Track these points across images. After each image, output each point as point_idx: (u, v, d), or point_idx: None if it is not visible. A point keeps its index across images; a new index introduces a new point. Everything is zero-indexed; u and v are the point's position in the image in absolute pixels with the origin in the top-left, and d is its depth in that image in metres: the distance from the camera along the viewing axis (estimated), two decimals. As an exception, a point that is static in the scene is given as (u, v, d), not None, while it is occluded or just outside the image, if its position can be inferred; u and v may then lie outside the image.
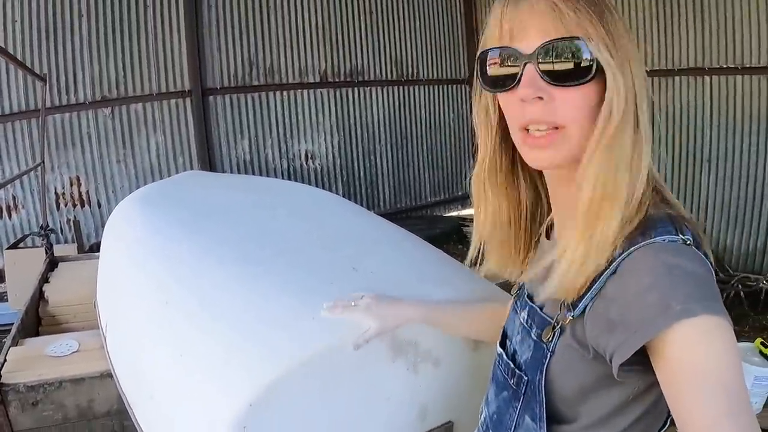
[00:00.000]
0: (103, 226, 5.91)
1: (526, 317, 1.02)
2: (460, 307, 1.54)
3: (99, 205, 6.01)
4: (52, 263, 4.13)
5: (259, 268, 1.92)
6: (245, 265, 1.94)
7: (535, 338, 0.96)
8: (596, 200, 0.81)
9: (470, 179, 1.04)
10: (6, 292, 4.79)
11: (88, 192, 5.95)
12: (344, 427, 1.56)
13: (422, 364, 1.64)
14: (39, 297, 3.55)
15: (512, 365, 1.02)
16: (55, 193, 5.83)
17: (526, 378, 0.97)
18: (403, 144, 7.91)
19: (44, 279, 3.78)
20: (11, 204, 5.65)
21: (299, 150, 7.17)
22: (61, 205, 5.87)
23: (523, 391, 0.98)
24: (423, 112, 8.05)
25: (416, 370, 1.64)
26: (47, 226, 4.21)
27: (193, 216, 2.62)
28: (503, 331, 1.13)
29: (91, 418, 2.46)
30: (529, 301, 1.02)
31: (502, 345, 1.10)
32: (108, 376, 2.41)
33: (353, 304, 1.41)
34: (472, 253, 1.10)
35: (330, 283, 1.76)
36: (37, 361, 2.54)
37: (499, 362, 1.10)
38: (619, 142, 0.80)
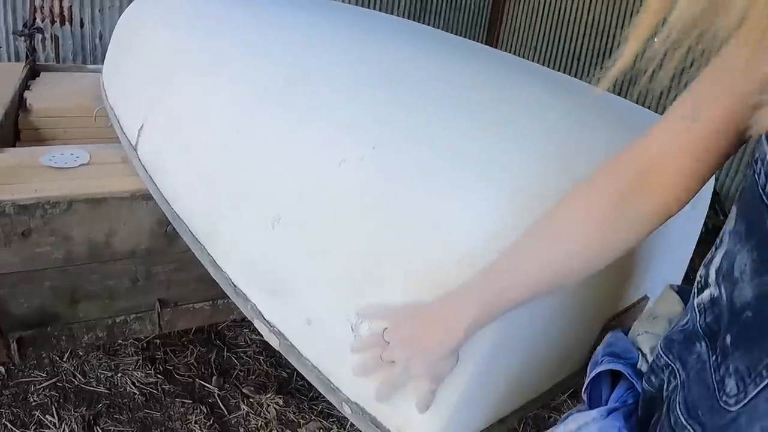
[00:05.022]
0: (83, 50, 5.01)
1: None
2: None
3: (81, 25, 5.01)
4: (34, 71, 3.22)
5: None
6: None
7: None
8: None
9: None
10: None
11: (71, 8, 4.92)
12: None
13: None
14: (18, 105, 2.68)
15: None
16: (32, 4, 4.77)
17: None
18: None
19: (24, 86, 2.90)
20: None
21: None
22: (38, 21, 4.83)
23: None
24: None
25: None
26: (32, 24, 3.24)
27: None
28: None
29: (108, 260, 1.69)
30: None
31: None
32: (142, 197, 1.65)
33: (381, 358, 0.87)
34: None
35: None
36: (29, 173, 1.73)
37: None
38: None
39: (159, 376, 2.27)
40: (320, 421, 2.22)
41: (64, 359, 2.24)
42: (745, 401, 0.56)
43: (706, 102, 0.66)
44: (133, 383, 2.20)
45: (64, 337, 1.71)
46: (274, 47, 1.42)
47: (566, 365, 1.19)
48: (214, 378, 2.34)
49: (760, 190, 0.58)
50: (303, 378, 2.45)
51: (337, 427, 2.20)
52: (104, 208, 1.61)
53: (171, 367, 2.35)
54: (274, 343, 1.07)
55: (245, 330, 2.70)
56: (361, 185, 0.95)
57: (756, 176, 0.59)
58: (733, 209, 0.65)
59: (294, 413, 2.24)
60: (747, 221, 0.61)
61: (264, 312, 1.09)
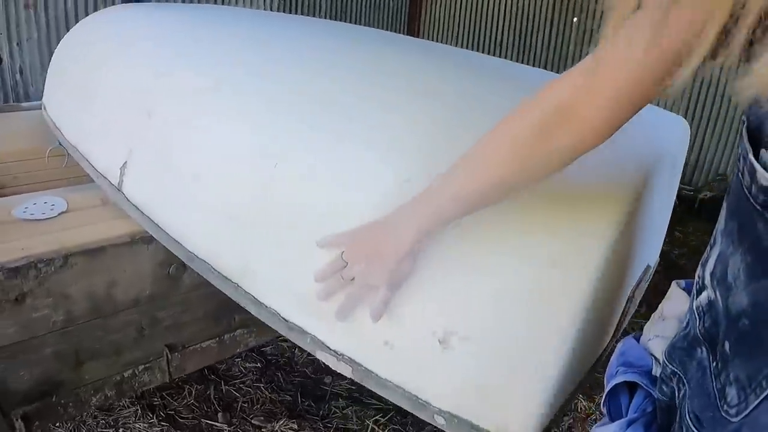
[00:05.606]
0: (4, 86, 4.71)
1: None
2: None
3: (0, 61, 4.70)
4: (-38, 117, 2.98)
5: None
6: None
7: None
8: None
9: None
10: None
11: (-14, 44, 4.62)
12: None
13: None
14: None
15: None
16: (-57, 44, 4.48)
17: None
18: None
19: (-44, 135, 2.68)
20: None
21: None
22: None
23: None
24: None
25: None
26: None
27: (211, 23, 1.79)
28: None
29: (110, 313, 1.57)
30: None
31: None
32: (142, 240, 1.53)
33: (342, 277, 0.94)
34: None
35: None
36: (6, 229, 1.57)
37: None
38: None
39: (163, 423, 2.14)
40: (339, 440, 2.15)
41: (58, 423, 2.08)
42: (746, 412, 0.55)
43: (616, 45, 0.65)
44: (139, 436, 2.07)
45: (71, 404, 1.56)
46: (269, 65, 1.35)
47: (602, 341, 1.20)
48: (220, 414, 2.22)
49: (746, 191, 0.56)
50: (308, 397, 2.38)
51: (356, 443, 2.14)
52: (103, 257, 1.47)
53: (172, 412, 2.22)
54: (345, 371, 1.01)
55: (237, 359, 2.59)
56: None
57: (741, 175, 0.57)
58: (723, 207, 0.64)
59: (311, 436, 2.16)
60: (737, 222, 0.59)
61: (328, 342, 1.02)
